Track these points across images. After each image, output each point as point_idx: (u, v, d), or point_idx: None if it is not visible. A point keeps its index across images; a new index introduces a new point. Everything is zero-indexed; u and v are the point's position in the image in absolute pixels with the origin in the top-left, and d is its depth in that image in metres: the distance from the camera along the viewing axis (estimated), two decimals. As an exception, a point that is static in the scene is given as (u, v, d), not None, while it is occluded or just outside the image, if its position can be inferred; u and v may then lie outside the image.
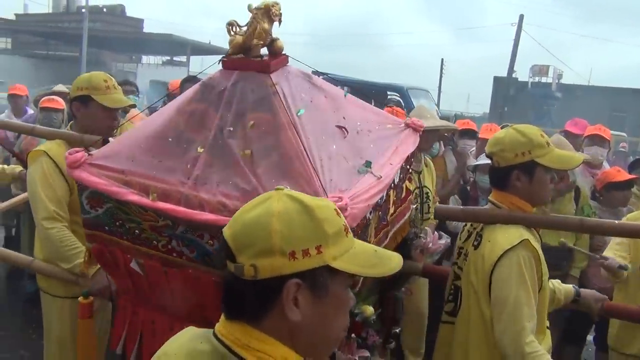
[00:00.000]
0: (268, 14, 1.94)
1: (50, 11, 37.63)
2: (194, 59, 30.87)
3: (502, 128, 5.30)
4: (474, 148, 4.85)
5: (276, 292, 0.99)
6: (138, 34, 32.06)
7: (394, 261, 1.09)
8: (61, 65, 24.49)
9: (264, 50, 2.04)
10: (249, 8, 1.95)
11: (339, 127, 2.00)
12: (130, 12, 37.12)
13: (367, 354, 1.80)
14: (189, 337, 1.10)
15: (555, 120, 24.08)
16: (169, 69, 29.50)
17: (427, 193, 3.60)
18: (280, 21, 2.00)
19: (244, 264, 0.99)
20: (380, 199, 1.99)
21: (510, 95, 28.16)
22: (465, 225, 2.36)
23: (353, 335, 1.75)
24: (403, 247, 2.31)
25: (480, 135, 4.85)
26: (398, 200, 2.23)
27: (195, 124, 1.98)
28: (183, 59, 31.47)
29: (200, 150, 1.90)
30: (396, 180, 2.16)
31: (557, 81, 29.65)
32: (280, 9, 1.97)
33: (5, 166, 3.52)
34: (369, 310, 1.83)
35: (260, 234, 0.99)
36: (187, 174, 1.87)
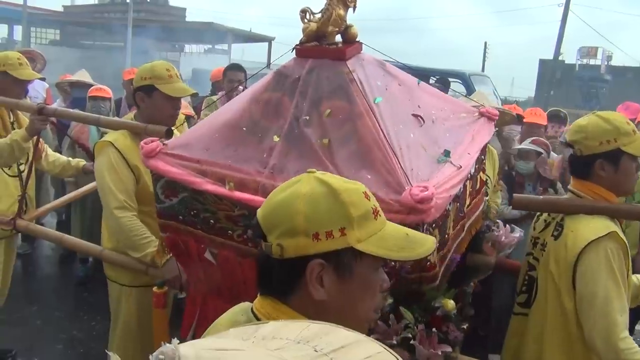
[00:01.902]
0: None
1: (97, 2, 38.48)
2: (235, 47, 31.13)
3: (547, 112, 5.22)
4: (519, 134, 4.75)
5: (301, 271, 1.04)
6: (180, 23, 32.49)
7: (425, 246, 1.11)
8: (107, 55, 25.09)
9: (337, 37, 2.01)
10: None
11: (415, 115, 1.97)
12: (172, 2, 37.60)
13: (449, 349, 1.72)
14: (234, 310, 1.18)
15: (604, 104, 23.31)
16: (210, 57, 29.82)
17: (485, 180, 3.49)
18: (355, 7, 1.97)
19: (272, 243, 1.04)
20: (459, 189, 1.95)
21: (556, 79, 27.35)
22: (541, 215, 2.26)
23: (434, 329, 1.70)
24: (475, 240, 2.24)
25: (525, 120, 4.75)
26: (474, 191, 2.19)
27: (270, 113, 1.96)
28: (225, 47, 31.75)
29: (276, 139, 1.89)
30: (472, 171, 2.12)
31: (606, 63, 28.65)
32: None
33: (71, 159, 3.59)
34: (450, 304, 1.77)
35: (286, 215, 1.04)
36: (263, 164, 1.86)
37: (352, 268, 1.05)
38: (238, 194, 1.82)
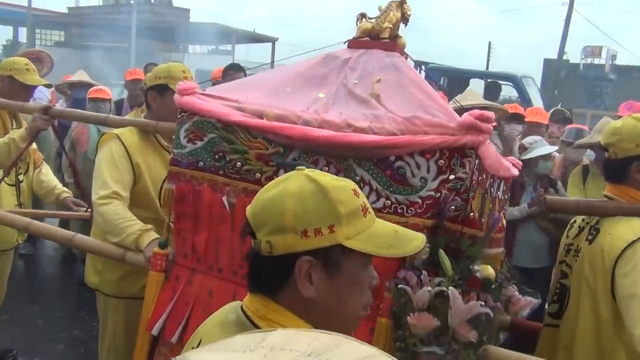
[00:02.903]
0: (402, 7, 2.00)
1: (101, 3, 38.58)
2: (239, 47, 31.18)
3: (552, 112, 5.19)
4: (520, 133, 4.75)
5: (290, 268, 1.04)
6: (184, 23, 32.51)
7: (414, 243, 1.11)
8: (111, 56, 25.15)
9: None
10: (379, 8, 2.06)
11: None
12: (176, 2, 37.66)
13: (487, 309, 1.60)
14: (224, 309, 1.17)
15: (609, 103, 23.23)
16: (214, 58, 29.86)
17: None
18: (406, 22, 2.05)
19: (261, 240, 1.05)
20: (493, 187, 1.90)
21: (561, 78, 27.24)
22: (575, 220, 2.18)
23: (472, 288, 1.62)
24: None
25: (526, 119, 4.75)
26: (499, 224, 2.09)
27: (316, 83, 1.93)
28: (228, 47, 31.79)
29: (321, 95, 1.86)
30: (501, 195, 2.05)
31: (610, 62, 28.51)
32: (410, 10, 2.02)
33: (58, 186, 3.44)
34: (489, 270, 1.70)
35: (275, 212, 1.04)
36: (306, 106, 1.82)
37: (340, 265, 1.05)
38: (276, 123, 1.76)
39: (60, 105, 5.71)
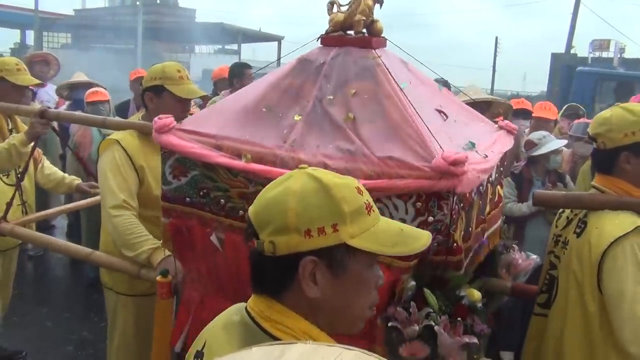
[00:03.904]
0: None
1: (107, 5, 38.78)
2: (245, 47, 31.28)
3: (565, 108, 5.14)
4: (527, 128, 4.71)
5: (294, 269, 1.02)
6: (190, 24, 32.61)
7: (420, 241, 1.08)
8: (118, 57, 25.26)
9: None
10: None
11: (439, 110, 1.94)
12: (182, 3, 37.79)
13: (474, 339, 1.62)
14: (229, 311, 1.15)
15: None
16: (220, 57, 29.93)
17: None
18: (381, 3, 1.97)
19: (264, 241, 1.03)
20: (482, 185, 1.90)
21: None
22: (563, 211, 2.17)
23: (459, 319, 1.63)
24: (490, 263, 2.15)
25: (534, 115, 4.70)
26: (493, 199, 2.12)
27: (291, 97, 1.91)
28: (234, 47, 31.90)
29: (297, 118, 1.84)
30: (493, 176, 2.05)
31: (619, 55, 28.24)
32: None
33: (66, 175, 3.48)
34: (476, 294, 1.71)
35: (277, 212, 1.02)
36: (283, 138, 1.80)
37: (345, 265, 1.03)
38: (254, 166, 1.75)
39: (66, 107, 5.71)
